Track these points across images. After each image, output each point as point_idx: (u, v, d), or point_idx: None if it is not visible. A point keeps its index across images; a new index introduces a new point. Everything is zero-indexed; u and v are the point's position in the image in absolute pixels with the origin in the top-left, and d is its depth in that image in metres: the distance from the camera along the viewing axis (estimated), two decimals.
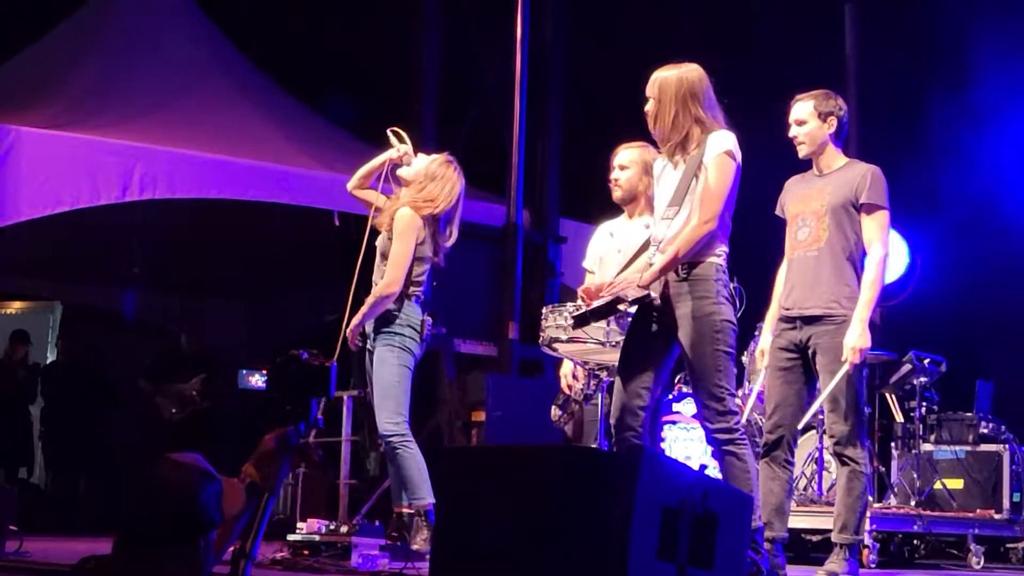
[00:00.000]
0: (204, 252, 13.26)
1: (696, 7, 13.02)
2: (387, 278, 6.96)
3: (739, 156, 5.83)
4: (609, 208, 7.21)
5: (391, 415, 6.89)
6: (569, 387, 6.76)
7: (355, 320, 6.95)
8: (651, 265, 5.79)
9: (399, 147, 7.12)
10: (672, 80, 5.87)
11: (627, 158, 6.89)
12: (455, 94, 12.46)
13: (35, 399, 13.29)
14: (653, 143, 6.86)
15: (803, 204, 6.68)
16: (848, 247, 6.53)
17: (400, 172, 7.13)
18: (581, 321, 5.83)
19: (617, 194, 6.93)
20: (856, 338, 6.34)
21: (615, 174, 6.92)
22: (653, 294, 5.69)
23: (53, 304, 14.36)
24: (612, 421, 5.92)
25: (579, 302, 5.95)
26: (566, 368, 6.84)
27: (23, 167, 9.21)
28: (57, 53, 11.28)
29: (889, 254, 6.68)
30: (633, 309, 5.79)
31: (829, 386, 6.43)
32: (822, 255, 6.54)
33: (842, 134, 6.69)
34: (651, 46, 12.38)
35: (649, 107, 5.91)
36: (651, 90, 5.92)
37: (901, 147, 11.05)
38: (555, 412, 6.83)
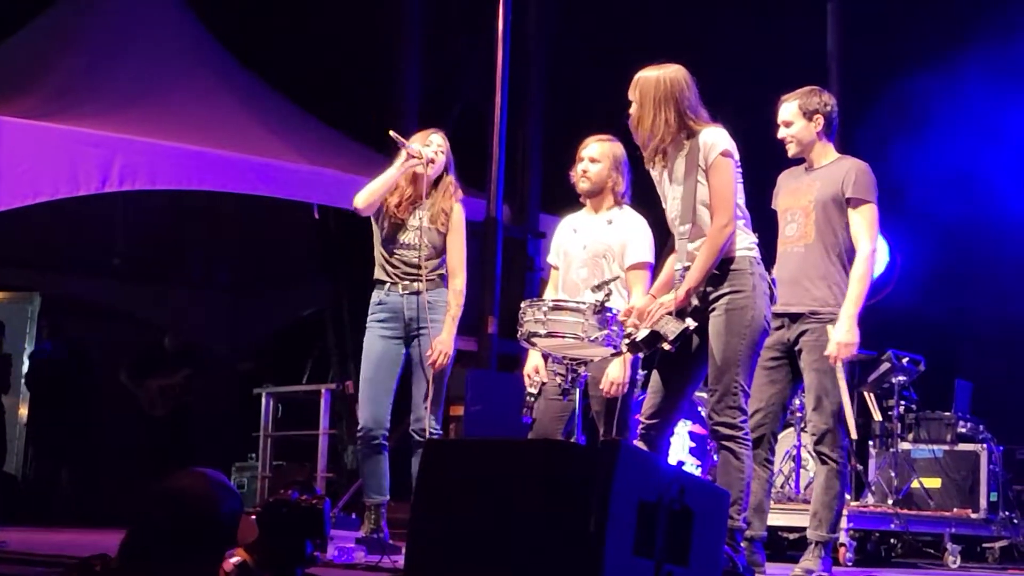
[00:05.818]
0: (185, 244, 13.24)
1: (679, 3, 13.02)
2: (461, 276, 7.16)
3: (734, 149, 5.84)
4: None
5: (439, 416, 7.09)
6: (528, 376, 6.73)
7: (450, 336, 7.06)
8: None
9: (420, 152, 7.04)
10: (651, 82, 5.87)
11: (598, 151, 6.77)
12: (436, 88, 12.44)
13: (7, 389, 13.22)
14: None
15: (792, 199, 6.69)
16: (836, 243, 6.52)
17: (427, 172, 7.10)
18: (634, 348, 5.86)
19: (584, 186, 6.82)
20: (844, 333, 6.33)
21: (584, 166, 6.78)
22: (692, 325, 5.72)
23: (32, 295, 14.32)
24: (645, 417, 5.98)
25: (629, 328, 5.94)
26: (528, 366, 6.79)
27: (2, 157, 9.16)
28: (38, 43, 11.23)
29: (877, 249, 6.68)
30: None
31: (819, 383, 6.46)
32: (809, 251, 6.54)
33: (832, 129, 6.68)
34: (633, 42, 12.44)
35: (632, 110, 5.92)
36: (632, 93, 5.93)
37: (882, 146, 11.06)
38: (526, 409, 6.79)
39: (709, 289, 5.84)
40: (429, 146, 7.12)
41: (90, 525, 10.22)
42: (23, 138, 9.27)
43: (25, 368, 13.54)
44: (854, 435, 6.73)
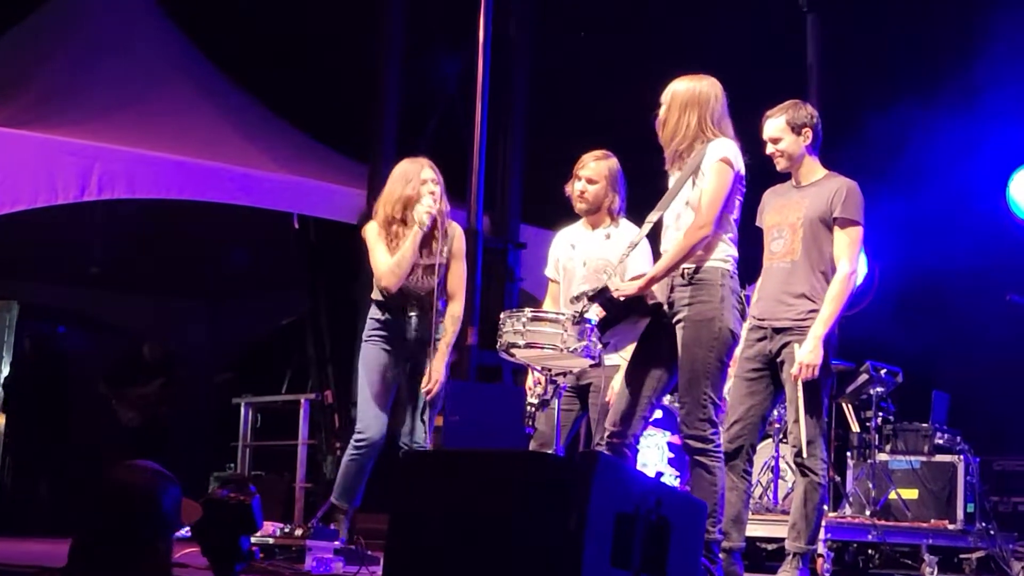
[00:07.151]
0: (164, 253, 13.19)
1: (660, 16, 13.02)
2: (460, 302, 7.21)
3: (738, 163, 5.92)
4: (570, 215, 7.17)
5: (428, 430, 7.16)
6: (530, 388, 6.73)
7: (443, 364, 7.07)
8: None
9: (430, 218, 7.04)
10: (682, 89, 6.03)
11: (595, 171, 6.80)
12: (417, 98, 12.43)
13: None
14: (615, 151, 6.90)
15: (779, 215, 6.70)
16: (821, 260, 6.53)
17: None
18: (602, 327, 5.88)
19: (582, 207, 6.85)
20: (807, 353, 6.33)
21: (581, 186, 6.81)
22: (611, 288, 5.76)
23: (10, 304, 14.26)
24: (609, 425, 5.99)
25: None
26: (530, 379, 6.80)
27: None
28: (18, 51, 11.22)
29: (856, 271, 6.69)
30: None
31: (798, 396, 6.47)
32: (795, 267, 6.55)
33: (817, 142, 6.71)
34: (615, 54, 12.44)
35: (660, 112, 6.03)
36: (664, 97, 6.08)
37: (862, 158, 11.07)
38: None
39: (676, 299, 5.86)
40: (425, 185, 7.08)
41: (69, 535, 10.18)
42: (1, 146, 9.26)
43: (4, 376, 13.49)
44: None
